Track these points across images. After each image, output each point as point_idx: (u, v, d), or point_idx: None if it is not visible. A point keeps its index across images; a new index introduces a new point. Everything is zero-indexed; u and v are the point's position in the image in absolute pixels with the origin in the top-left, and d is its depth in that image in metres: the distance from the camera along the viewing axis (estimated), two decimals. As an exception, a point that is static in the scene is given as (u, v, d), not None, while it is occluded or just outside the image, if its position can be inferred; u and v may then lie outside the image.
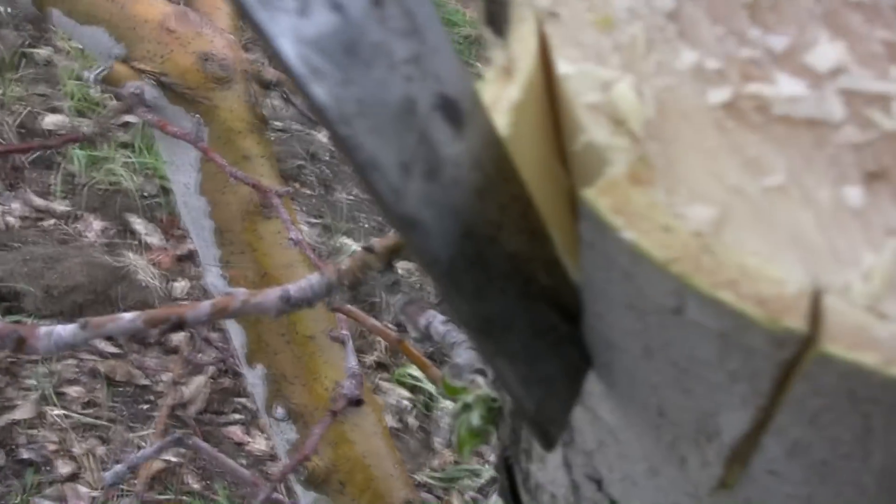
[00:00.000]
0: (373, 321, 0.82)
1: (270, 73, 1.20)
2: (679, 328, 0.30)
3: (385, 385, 2.17)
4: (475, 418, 0.50)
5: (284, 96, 1.22)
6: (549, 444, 0.35)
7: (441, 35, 0.31)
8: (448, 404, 2.21)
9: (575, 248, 0.36)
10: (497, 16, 0.35)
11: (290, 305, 0.59)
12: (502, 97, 0.32)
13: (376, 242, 0.60)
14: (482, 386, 0.50)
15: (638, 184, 0.29)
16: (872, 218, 0.28)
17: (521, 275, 0.33)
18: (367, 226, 2.47)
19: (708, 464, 0.34)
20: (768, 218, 0.28)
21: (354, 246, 2.31)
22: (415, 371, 2.16)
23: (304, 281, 0.59)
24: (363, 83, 0.29)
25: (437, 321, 0.59)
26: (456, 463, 2.13)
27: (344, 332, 0.86)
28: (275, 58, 0.28)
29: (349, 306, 0.83)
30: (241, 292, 0.60)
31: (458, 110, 0.31)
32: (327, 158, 2.63)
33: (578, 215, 0.31)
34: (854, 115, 0.30)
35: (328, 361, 1.22)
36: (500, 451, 0.53)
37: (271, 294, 0.60)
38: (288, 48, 0.28)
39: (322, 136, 2.67)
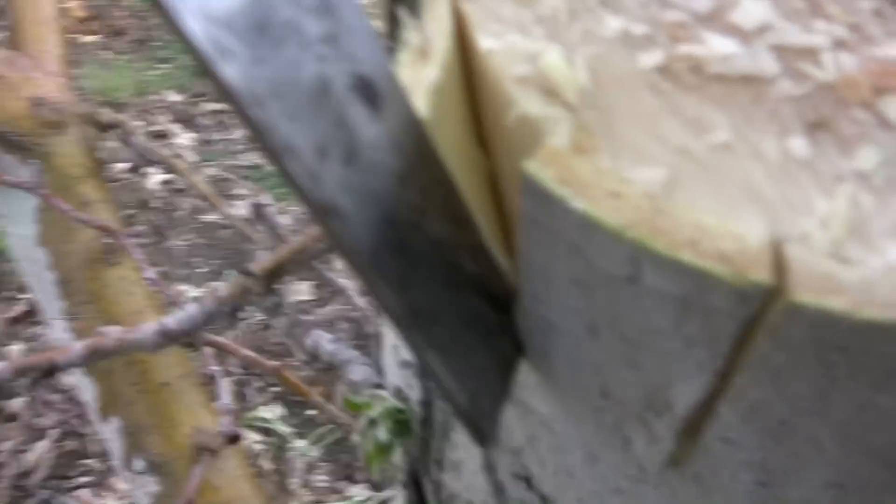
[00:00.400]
0: (246, 352, 0.79)
1: (106, 116, 1.16)
2: (632, 298, 0.29)
3: (235, 431, 2.11)
4: (382, 433, 0.48)
5: (122, 138, 1.18)
6: (482, 439, 0.34)
7: (357, 13, 0.29)
8: (301, 445, 2.17)
9: (500, 234, 0.35)
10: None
11: (169, 339, 0.56)
12: (420, 79, 0.31)
13: (254, 265, 0.57)
14: (387, 398, 0.48)
15: (581, 153, 0.28)
16: (820, 167, 0.28)
17: (447, 262, 0.32)
18: (204, 271, 2.41)
19: (657, 440, 0.34)
20: (718, 175, 0.28)
21: (192, 293, 2.25)
22: (266, 414, 2.11)
23: (182, 312, 0.56)
24: (275, 63, 0.27)
25: (324, 340, 0.57)
26: (316, 503, 2.09)
27: (214, 367, 0.83)
28: (180, 37, 0.26)
29: (222, 339, 0.79)
30: (114, 330, 0.56)
31: (374, 91, 0.30)
32: (159, 206, 2.56)
33: (520, 191, 0.30)
34: (787, 69, 0.30)
35: (186, 407, 1.18)
36: (407, 466, 0.51)
37: (147, 329, 0.56)
38: (194, 26, 0.26)
39: (153, 183, 2.60)
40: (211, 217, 2.61)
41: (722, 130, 0.29)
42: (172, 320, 0.56)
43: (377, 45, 0.30)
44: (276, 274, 0.57)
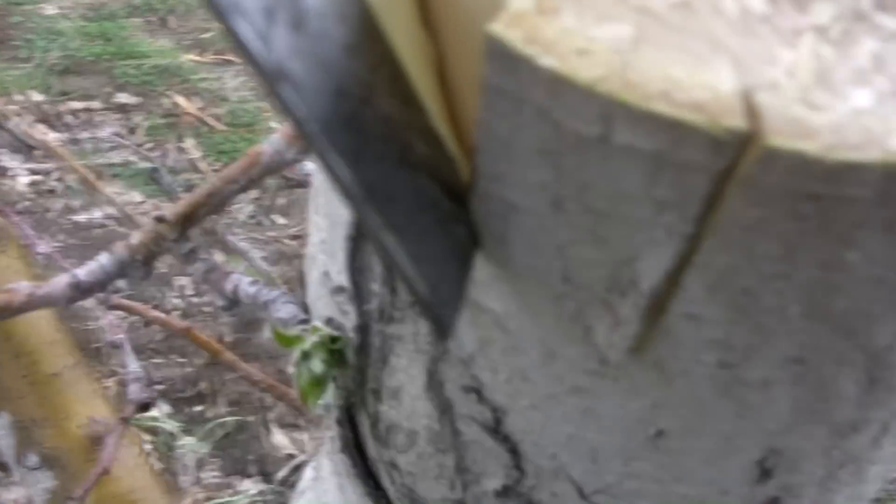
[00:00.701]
0: (155, 312, 0.77)
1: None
2: (602, 162, 0.28)
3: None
4: (316, 364, 0.47)
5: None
6: (444, 332, 0.33)
7: None
8: (190, 441, 2.13)
9: (449, 122, 0.34)
10: None
11: (82, 292, 0.54)
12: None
13: (168, 211, 0.55)
14: (320, 328, 0.47)
15: (544, 13, 0.28)
16: (779, 22, 0.28)
17: (399, 141, 0.31)
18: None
19: (621, 324, 0.33)
20: (682, 31, 0.28)
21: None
22: (152, 412, 2.06)
23: (94, 262, 0.54)
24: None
25: (244, 283, 0.55)
26: (208, 499, 2.05)
27: (120, 336, 0.79)
28: None
29: (129, 301, 0.77)
30: (25, 285, 0.54)
31: None
32: (28, 208, 2.47)
33: (476, 67, 0.29)
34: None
35: (78, 398, 1.14)
36: (341, 402, 0.50)
37: (59, 282, 0.54)
38: None
39: (20, 185, 2.51)
40: (82, 217, 2.53)
41: (682, -12, 0.28)
42: (84, 272, 0.53)
43: None
44: (190, 219, 0.55)
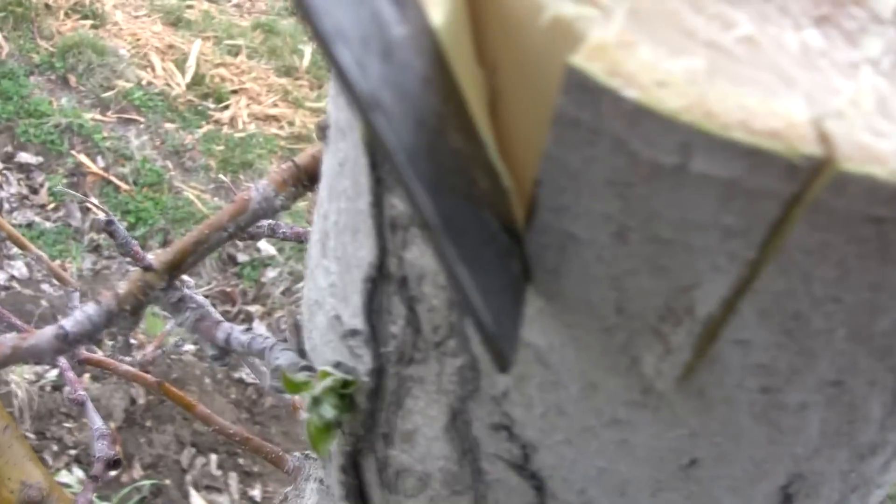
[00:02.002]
0: (126, 367, 0.75)
1: None
2: (674, 191, 0.29)
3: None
4: (326, 410, 0.47)
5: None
6: (504, 365, 0.33)
7: None
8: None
9: (500, 156, 0.35)
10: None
11: (69, 343, 0.52)
12: (432, -9, 0.31)
13: (155, 258, 0.55)
14: (331, 373, 0.47)
15: (623, 47, 0.29)
16: (835, 55, 0.30)
17: (466, 176, 0.32)
18: None
19: (672, 352, 0.34)
20: (750, 64, 0.29)
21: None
22: (66, 478, 2.00)
23: (80, 313, 0.53)
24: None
25: (236, 332, 0.55)
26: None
27: (82, 392, 0.77)
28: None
29: (100, 356, 0.75)
30: (10, 337, 0.52)
31: None
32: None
33: (538, 103, 0.30)
34: (786, -30, 0.31)
35: (10, 461, 1.11)
36: (348, 448, 0.50)
37: (45, 334, 0.52)
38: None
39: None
40: (-16, 280, 2.46)
41: (744, 25, 0.30)
42: (71, 322, 0.52)
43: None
44: (178, 267, 0.54)
